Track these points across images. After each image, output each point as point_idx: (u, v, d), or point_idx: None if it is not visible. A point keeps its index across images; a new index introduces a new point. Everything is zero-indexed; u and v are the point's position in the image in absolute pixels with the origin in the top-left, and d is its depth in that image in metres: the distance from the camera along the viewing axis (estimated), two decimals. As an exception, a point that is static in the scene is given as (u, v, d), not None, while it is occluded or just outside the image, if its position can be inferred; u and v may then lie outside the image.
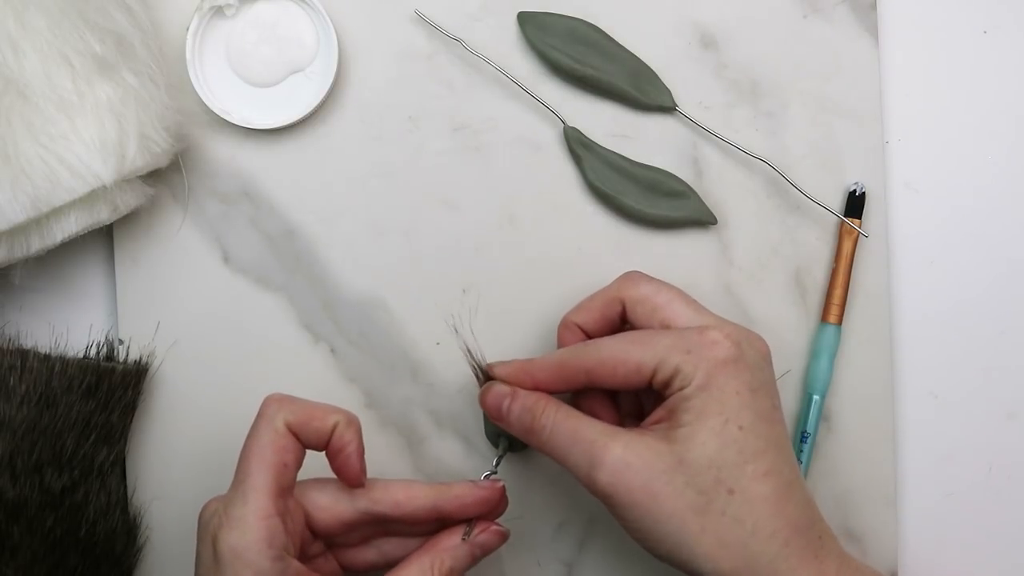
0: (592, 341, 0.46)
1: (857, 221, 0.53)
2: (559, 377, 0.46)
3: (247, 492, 0.42)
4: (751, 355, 0.44)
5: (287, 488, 0.43)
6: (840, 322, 0.53)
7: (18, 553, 0.48)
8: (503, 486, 0.47)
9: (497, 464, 0.50)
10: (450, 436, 0.54)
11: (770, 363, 0.45)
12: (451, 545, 0.46)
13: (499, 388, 0.47)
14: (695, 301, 0.47)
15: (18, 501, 0.48)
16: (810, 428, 0.53)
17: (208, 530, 0.43)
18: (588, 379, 0.45)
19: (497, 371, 0.47)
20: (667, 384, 0.43)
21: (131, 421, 0.52)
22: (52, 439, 0.49)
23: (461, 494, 0.46)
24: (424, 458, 0.54)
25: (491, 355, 0.53)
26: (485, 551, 0.47)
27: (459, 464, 0.54)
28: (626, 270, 0.53)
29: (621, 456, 0.43)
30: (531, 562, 0.53)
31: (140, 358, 0.52)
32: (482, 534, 0.47)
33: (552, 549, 0.54)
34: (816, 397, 0.53)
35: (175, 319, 0.53)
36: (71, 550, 0.49)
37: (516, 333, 0.53)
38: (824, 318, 0.53)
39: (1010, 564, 0.55)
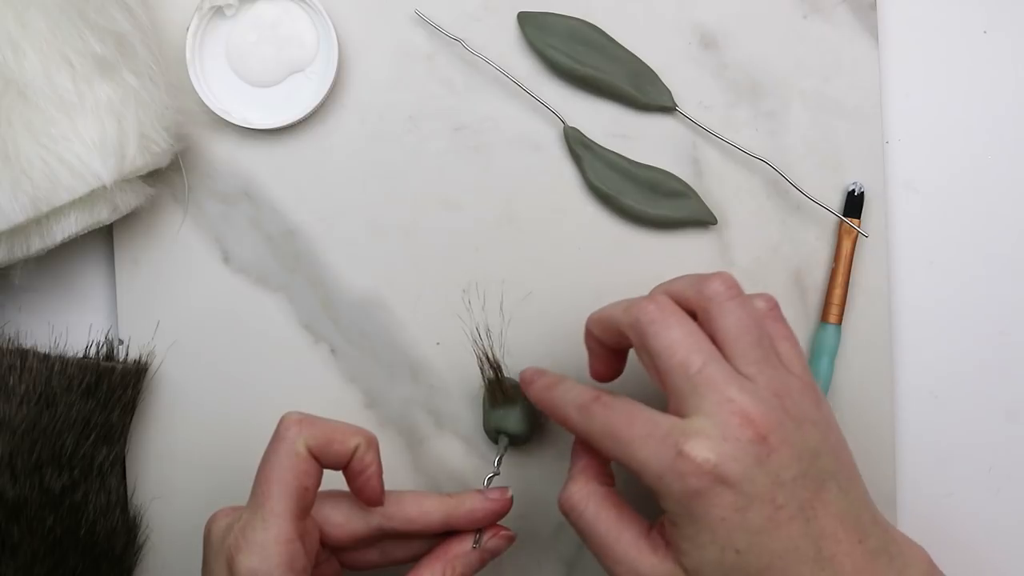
0: (590, 407, 0.43)
1: (856, 221, 0.53)
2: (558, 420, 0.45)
3: (267, 517, 0.42)
4: (735, 469, 0.39)
5: (307, 510, 0.43)
6: (840, 322, 0.53)
7: (18, 553, 0.48)
8: (512, 496, 0.47)
9: (498, 464, 0.50)
10: (450, 436, 0.54)
11: (764, 460, 0.40)
12: (462, 552, 0.46)
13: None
14: (696, 372, 0.41)
15: (18, 501, 0.48)
16: None
17: (222, 548, 0.42)
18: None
19: (530, 386, 0.47)
20: (646, 487, 0.41)
21: (131, 420, 0.52)
22: (52, 439, 0.49)
23: (473, 508, 0.46)
24: (424, 458, 0.54)
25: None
26: (493, 555, 0.47)
27: (459, 464, 0.54)
28: (626, 270, 0.53)
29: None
30: (531, 561, 0.53)
31: (140, 357, 0.52)
32: (491, 539, 0.47)
33: (552, 548, 0.54)
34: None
35: (175, 319, 0.53)
36: (71, 550, 0.49)
37: (516, 333, 0.53)
38: (824, 318, 0.53)
39: (1010, 564, 0.55)
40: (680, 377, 0.41)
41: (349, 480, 0.45)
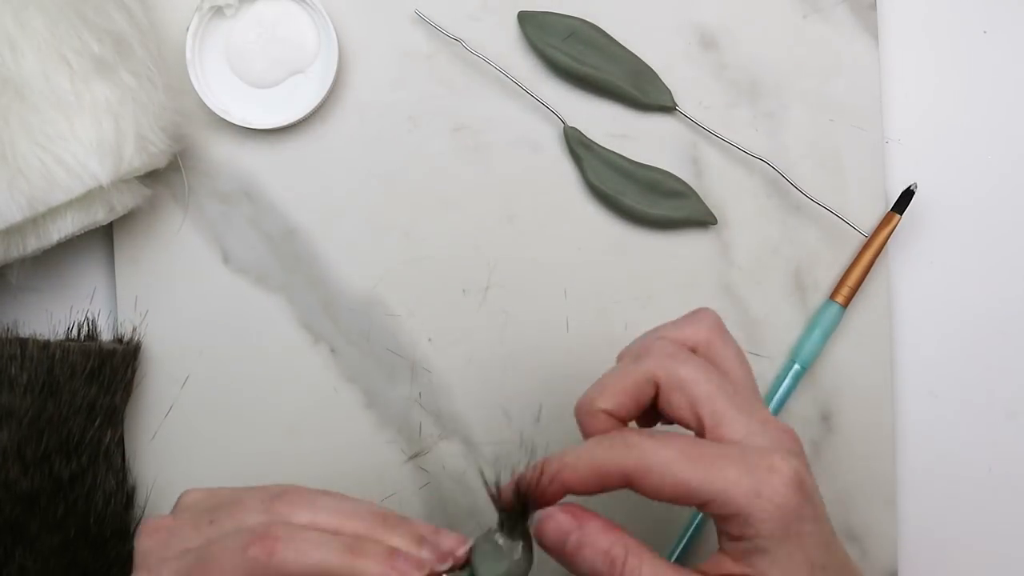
0: (633, 438, 0.38)
1: (896, 216, 0.53)
2: (594, 480, 0.39)
3: None
4: (809, 479, 0.38)
5: None
6: (847, 304, 0.53)
7: (36, 542, 0.48)
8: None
9: None
10: (450, 436, 0.54)
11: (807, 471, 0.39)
12: None
13: (561, 520, 0.38)
14: (742, 388, 0.40)
15: (31, 491, 0.48)
16: (779, 397, 0.52)
17: None
18: (626, 482, 0.38)
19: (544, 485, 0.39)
20: (726, 521, 0.37)
21: (127, 401, 0.52)
22: (58, 426, 0.49)
23: None
24: (424, 458, 0.54)
25: (492, 356, 0.53)
26: None
27: (459, 464, 0.53)
28: (626, 270, 0.53)
29: None
30: (531, 562, 0.53)
31: (133, 336, 0.52)
32: None
33: (552, 549, 0.53)
34: (797, 366, 0.52)
35: (175, 319, 0.53)
36: (82, 536, 0.49)
37: (515, 334, 0.53)
38: (833, 296, 0.53)
39: (1010, 564, 0.55)
40: (723, 401, 0.39)
41: None
